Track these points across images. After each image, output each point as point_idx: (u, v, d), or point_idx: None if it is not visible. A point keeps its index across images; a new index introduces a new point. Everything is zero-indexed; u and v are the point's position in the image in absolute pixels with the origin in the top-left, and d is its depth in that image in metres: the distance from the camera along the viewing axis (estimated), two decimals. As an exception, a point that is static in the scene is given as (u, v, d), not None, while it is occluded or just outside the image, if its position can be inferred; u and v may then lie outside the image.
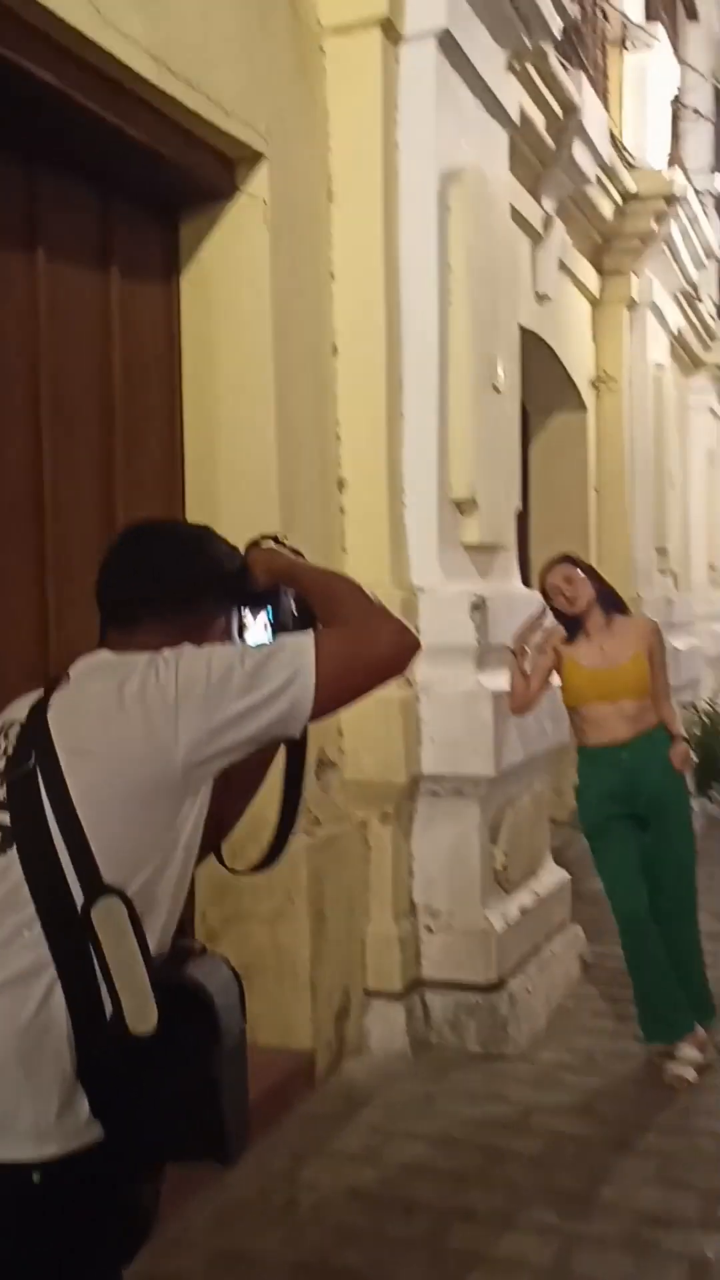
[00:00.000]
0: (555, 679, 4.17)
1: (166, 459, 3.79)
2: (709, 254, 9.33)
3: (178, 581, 1.62)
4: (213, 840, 1.65)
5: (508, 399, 4.75)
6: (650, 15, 9.03)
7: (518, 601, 4.48)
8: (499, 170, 4.88)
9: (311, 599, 1.67)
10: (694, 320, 10.19)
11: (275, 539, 1.75)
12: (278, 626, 1.67)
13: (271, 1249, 2.89)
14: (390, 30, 4.13)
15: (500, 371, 4.59)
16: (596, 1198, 3.14)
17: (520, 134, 5.73)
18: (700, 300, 10.41)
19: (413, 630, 1.60)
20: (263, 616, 1.69)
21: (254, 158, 3.72)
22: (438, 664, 4.16)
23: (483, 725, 4.08)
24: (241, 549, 1.71)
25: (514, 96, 5.05)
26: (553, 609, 4.12)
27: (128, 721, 1.46)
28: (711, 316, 11.35)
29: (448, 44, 4.25)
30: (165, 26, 3.22)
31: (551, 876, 4.89)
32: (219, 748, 1.47)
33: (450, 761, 4.12)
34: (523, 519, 7.61)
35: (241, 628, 1.69)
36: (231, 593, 1.68)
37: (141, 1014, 1.38)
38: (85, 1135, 1.39)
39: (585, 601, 4.05)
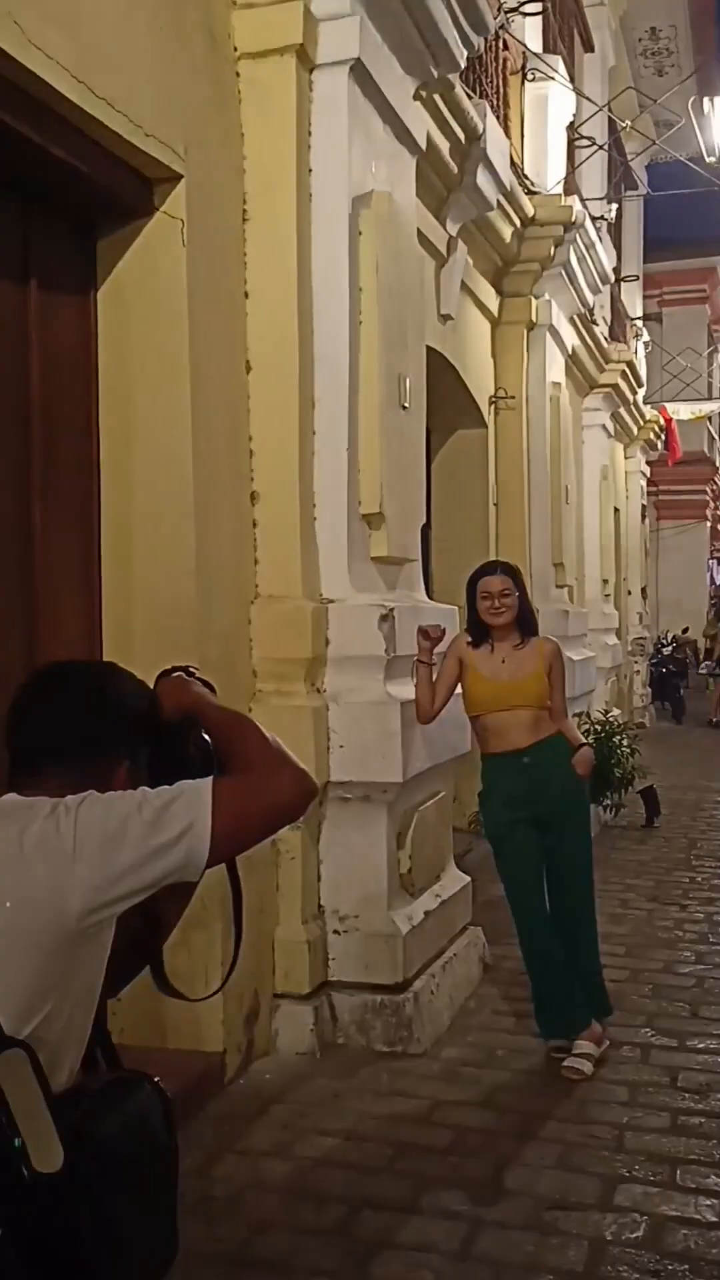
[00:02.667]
0: (460, 689, 4.32)
1: (82, 471, 3.84)
2: (604, 279, 9.66)
3: (79, 728, 1.68)
4: (152, 946, 1.74)
5: (415, 416, 4.89)
6: (548, 46, 9.35)
7: (424, 613, 4.62)
8: (407, 194, 5.03)
9: (214, 738, 1.71)
10: (589, 342, 10.54)
11: (186, 670, 1.81)
12: (184, 762, 1.69)
13: (187, 1242, 2.92)
14: (304, 57, 4.25)
15: (408, 389, 4.74)
16: (500, 1185, 3.28)
17: (426, 159, 5.91)
18: (595, 323, 10.77)
19: (312, 777, 1.68)
20: (171, 750, 1.72)
21: (172, 178, 3.80)
22: (347, 674, 4.28)
23: (390, 733, 4.20)
24: (153, 677, 1.78)
25: (421, 123, 5.21)
26: (472, 610, 4.25)
27: (27, 872, 1.52)
28: (605, 339, 11.74)
29: (359, 72, 4.39)
30: (87, 48, 3.29)
31: (454, 880, 5.04)
32: (116, 894, 1.54)
33: (359, 768, 4.24)
34: (425, 533, 7.78)
35: (149, 759, 1.72)
36: (137, 733, 1.72)
37: (45, 1155, 1.45)
38: None
39: (509, 619, 4.20)
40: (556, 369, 8.83)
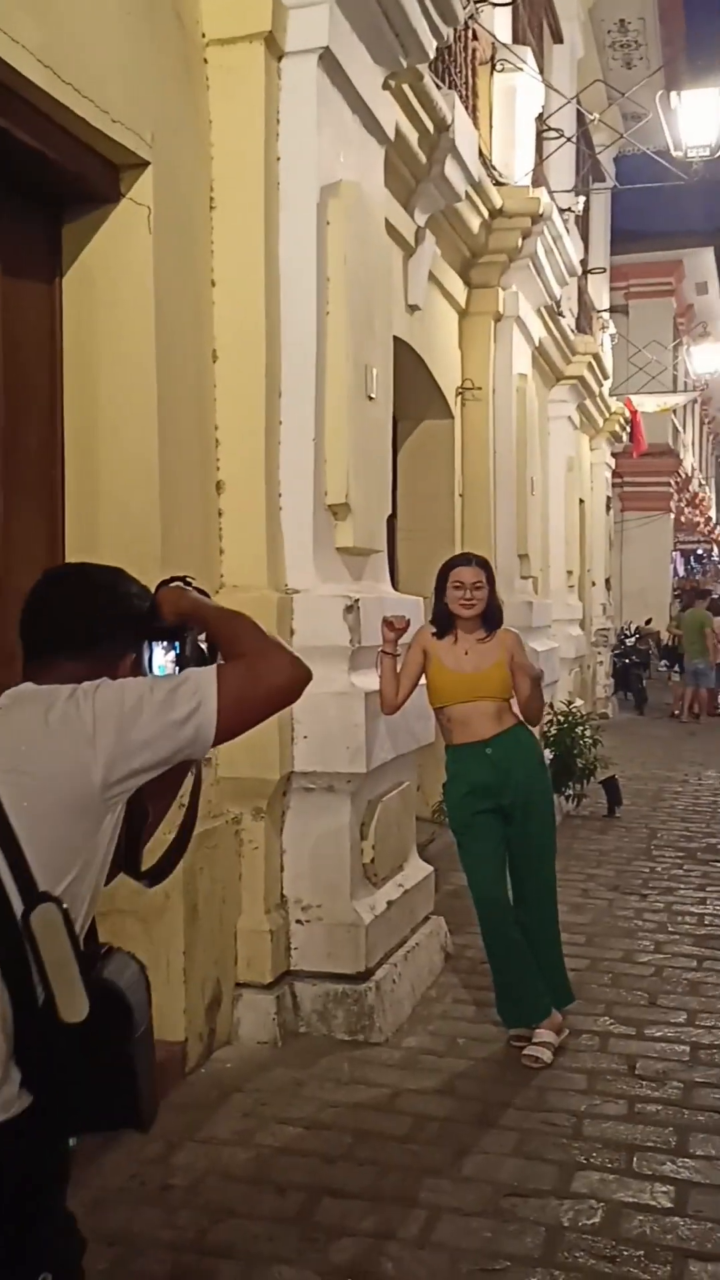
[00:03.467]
0: (424, 680, 4.34)
1: (46, 457, 3.82)
2: (570, 271, 9.69)
3: (92, 622, 1.81)
4: (135, 846, 1.84)
5: (381, 407, 4.90)
6: (518, 37, 9.34)
7: (389, 604, 4.63)
8: (375, 184, 5.03)
9: (214, 635, 1.86)
10: (555, 334, 10.57)
11: (183, 580, 1.92)
12: (184, 660, 1.83)
13: (147, 1230, 2.97)
14: (273, 45, 4.24)
15: (375, 380, 4.74)
16: (459, 1172, 3.31)
17: (395, 149, 5.90)
18: (562, 315, 10.80)
19: (304, 662, 1.80)
20: (170, 651, 1.85)
21: (139, 164, 3.78)
22: (311, 663, 4.15)
23: (354, 724, 4.21)
24: (152, 588, 1.90)
25: (390, 113, 5.20)
26: (440, 600, 4.26)
27: (55, 747, 1.65)
28: (572, 331, 11.78)
29: (328, 61, 4.37)
30: (55, 34, 3.27)
31: (416, 870, 5.07)
32: (132, 769, 1.67)
33: (322, 759, 4.25)
34: (390, 523, 7.80)
35: (150, 661, 1.85)
36: (141, 630, 1.85)
37: (73, 1006, 1.58)
38: (14, 1108, 1.59)
39: (478, 612, 4.22)
40: (523, 360, 8.85)
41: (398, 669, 4.27)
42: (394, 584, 6.95)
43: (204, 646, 1.86)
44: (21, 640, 1.82)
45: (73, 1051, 1.60)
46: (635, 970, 5.13)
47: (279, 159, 4.35)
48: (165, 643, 1.85)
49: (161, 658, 1.85)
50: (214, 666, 1.76)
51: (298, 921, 4.34)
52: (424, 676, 4.33)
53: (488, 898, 4.18)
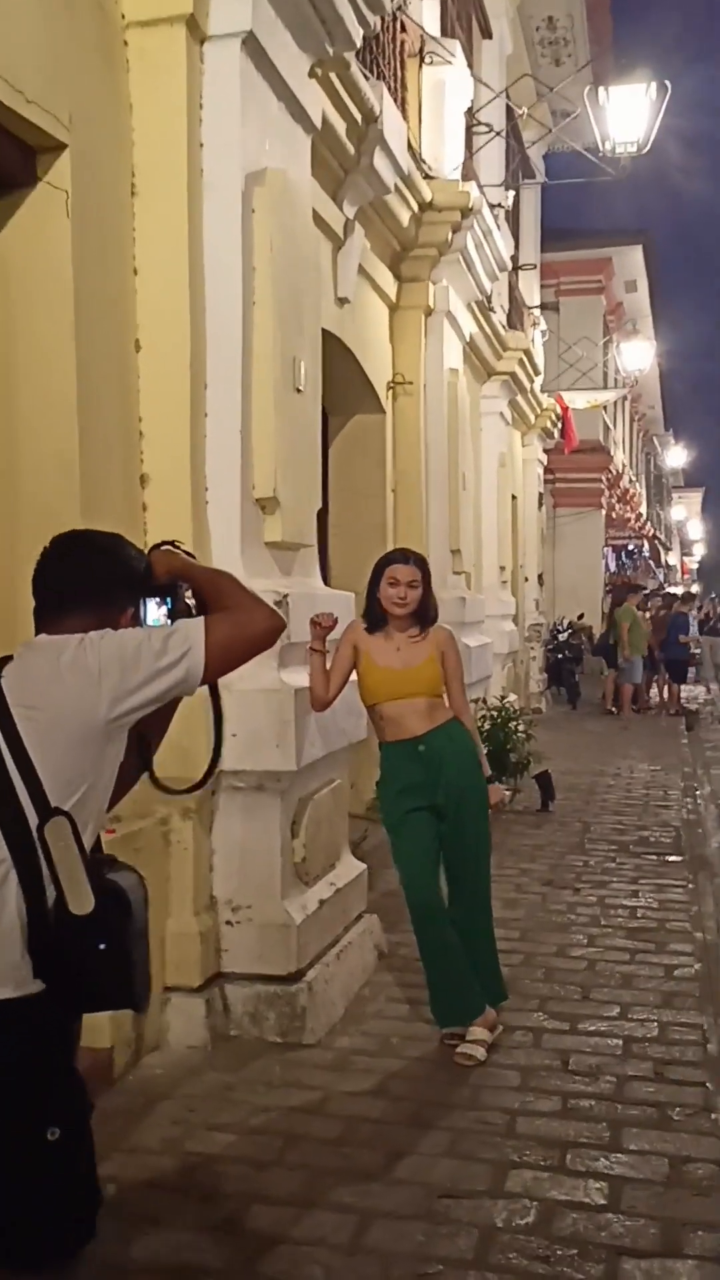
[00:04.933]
0: (355, 676, 4.28)
1: (-37, 450, 3.70)
2: (501, 266, 9.69)
3: (97, 580, 2.10)
4: (144, 757, 2.20)
5: (310, 400, 4.83)
6: (446, 31, 9.33)
7: (319, 599, 4.57)
8: (302, 173, 4.96)
9: (201, 591, 2.16)
10: (487, 329, 10.58)
11: (172, 544, 2.24)
12: (175, 613, 2.14)
13: (71, 1246, 2.87)
14: (195, 28, 4.15)
15: (303, 372, 4.67)
16: (392, 1175, 3.26)
17: (322, 139, 5.83)
18: (493, 310, 10.81)
19: (280, 614, 2.16)
20: (163, 605, 2.15)
21: (56, 147, 3.68)
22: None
23: (284, 721, 4.15)
24: (145, 551, 2.21)
25: (317, 102, 5.13)
26: (372, 595, 4.19)
27: (64, 686, 1.96)
28: (503, 326, 11.80)
29: (252, 46, 4.29)
30: (-35, 8, 3.16)
31: (349, 869, 5.01)
32: (132, 705, 1.98)
33: (252, 757, 4.17)
34: (322, 518, 7.72)
35: (146, 614, 2.15)
36: (138, 587, 2.15)
37: (81, 901, 1.89)
38: (30, 987, 1.90)
39: (411, 609, 4.16)
40: (454, 355, 8.84)
41: (327, 665, 4.21)
42: (326, 580, 6.90)
43: (191, 602, 2.15)
44: (35, 597, 2.10)
45: (80, 939, 1.91)
46: (568, 965, 5.12)
47: (202, 145, 4.26)
48: (159, 598, 2.15)
49: (155, 611, 2.14)
50: (202, 618, 2.06)
51: (227, 923, 4.26)
52: (355, 673, 4.27)
53: (420, 897, 4.14)
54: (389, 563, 4.20)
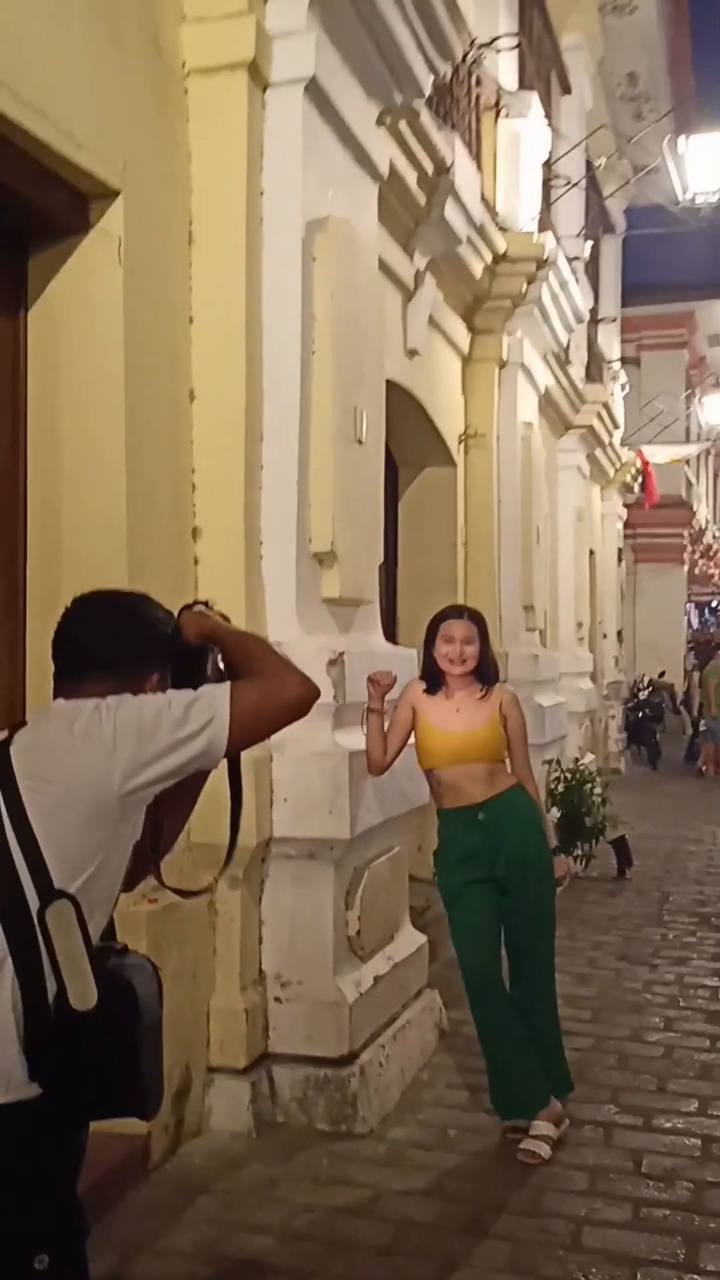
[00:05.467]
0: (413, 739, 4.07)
1: (7, 502, 3.59)
2: (578, 318, 9.51)
3: (120, 643, 1.95)
4: (153, 855, 1.97)
5: (371, 451, 4.66)
6: (524, 86, 9.23)
7: (378, 657, 4.37)
8: (367, 222, 4.83)
9: (230, 655, 2.00)
10: (563, 382, 10.38)
11: (205, 604, 2.08)
12: (203, 678, 1.96)
13: None
14: (257, 75, 4.05)
15: (365, 423, 4.51)
16: (442, 1291, 2.99)
17: (391, 189, 5.73)
18: (570, 363, 10.61)
19: (313, 681, 1.94)
20: (192, 670, 1.98)
21: (109, 194, 3.58)
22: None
23: (338, 786, 3.94)
24: (175, 611, 2.05)
25: (384, 150, 5.02)
26: (429, 654, 4.00)
27: (76, 756, 1.80)
28: (581, 380, 11.59)
29: (315, 93, 4.19)
30: (16, 55, 3.08)
31: (408, 941, 4.76)
32: (149, 777, 1.81)
33: (304, 824, 3.97)
34: (390, 573, 7.57)
35: (173, 678, 1.98)
36: (165, 650, 1.99)
37: (83, 995, 1.72)
38: (24, 1091, 1.72)
39: (469, 668, 3.95)
40: (529, 408, 8.65)
41: (385, 727, 4.00)
42: (394, 638, 6.71)
43: (222, 666, 1.99)
44: (54, 660, 1.97)
45: (81, 1039, 1.73)
46: (643, 1051, 4.80)
47: (263, 193, 4.15)
48: (187, 661, 1.99)
49: (182, 675, 1.97)
50: (228, 684, 1.89)
51: (276, 1000, 4.03)
52: (413, 734, 4.06)
53: (478, 977, 3.88)
54: (443, 619, 4.01)
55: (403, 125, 5.58)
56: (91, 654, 1.95)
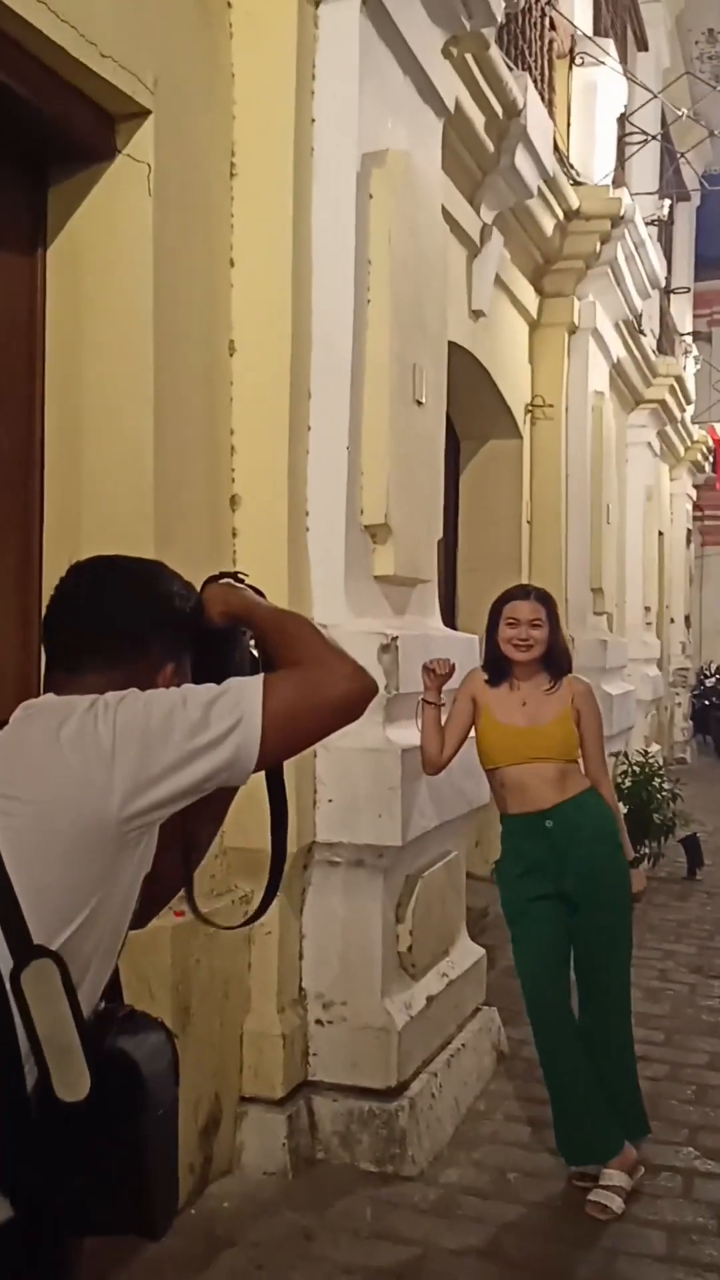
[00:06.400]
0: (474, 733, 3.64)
1: (20, 463, 3.19)
2: (653, 282, 8.95)
3: (125, 623, 1.55)
4: (185, 873, 1.63)
5: (432, 414, 4.21)
6: (599, 35, 8.68)
7: (435, 643, 3.93)
8: (431, 160, 4.37)
9: (264, 639, 1.60)
10: (635, 353, 9.84)
11: (234, 576, 1.67)
12: (233, 670, 1.56)
13: None
14: (309, -12, 3.61)
15: (425, 382, 4.06)
16: None
17: (457, 132, 5.27)
18: (643, 333, 10.05)
19: (369, 673, 1.52)
20: (219, 658, 1.60)
21: (138, 114, 3.15)
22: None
23: (389, 787, 3.51)
24: (198, 585, 1.65)
25: (450, 84, 4.56)
26: (492, 639, 3.58)
27: (63, 769, 1.41)
28: (654, 351, 11.01)
29: (374, 9, 3.74)
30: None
31: (465, 955, 4.33)
32: (157, 798, 1.40)
33: (350, 828, 3.55)
34: (450, 551, 7.12)
35: (193, 669, 1.60)
36: (184, 634, 1.59)
37: (71, 1082, 1.35)
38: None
39: (537, 654, 3.52)
40: (600, 377, 8.13)
41: (442, 720, 3.58)
42: (451, 621, 6.27)
43: (256, 653, 1.63)
44: (44, 645, 1.59)
45: (70, 1139, 1.36)
46: (724, 1081, 4.33)
47: (314, 121, 3.71)
48: (212, 649, 1.61)
49: (208, 667, 1.59)
50: (260, 676, 1.48)
51: (317, 1022, 3.63)
52: (474, 729, 3.63)
53: (544, 1006, 3.45)
54: (507, 600, 3.57)
55: (470, 60, 5.12)
56: (89, 636, 1.55)
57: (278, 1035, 3.50)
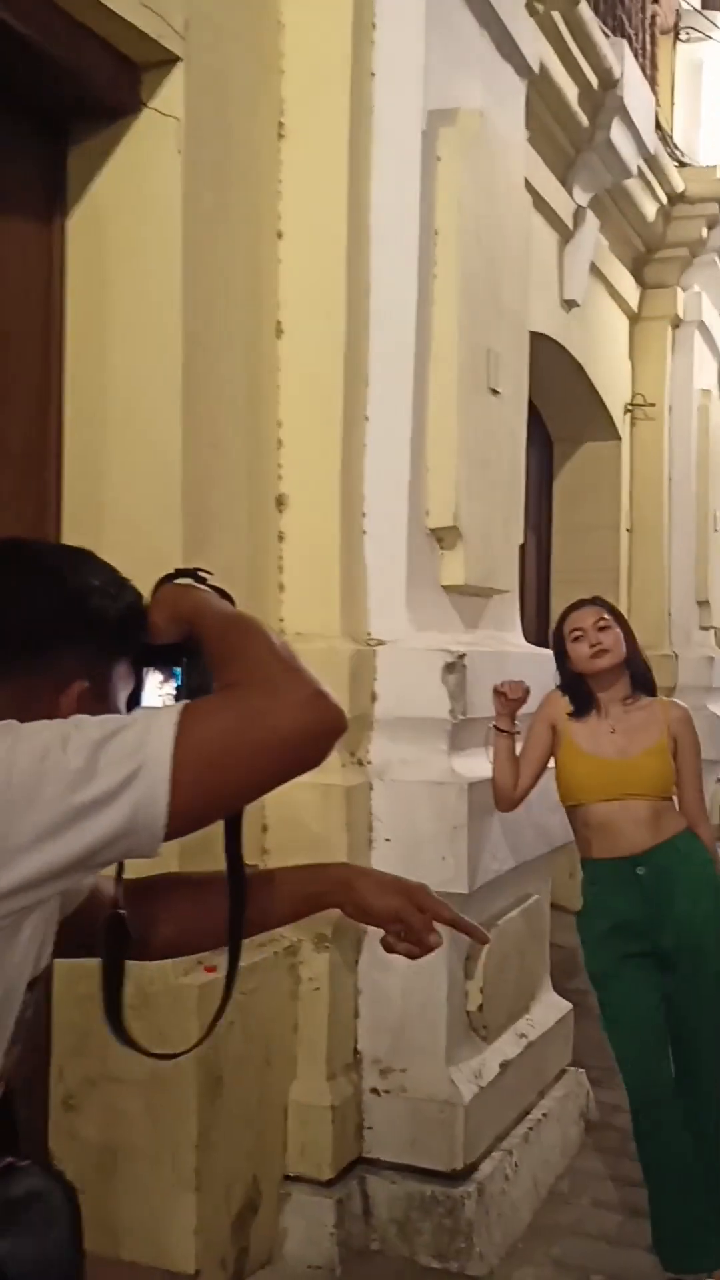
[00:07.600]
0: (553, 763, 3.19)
1: (34, 458, 2.85)
2: (767, 272, 8.35)
3: (19, 622, 1.18)
4: (114, 989, 1.27)
5: (511, 405, 3.77)
6: (707, 7, 8.16)
7: (511, 661, 3.49)
8: (511, 122, 3.94)
9: (209, 652, 1.22)
10: (747, 349, 9.22)
11: (194, 574, 1.31)
12: (188, 694, 1.25)
13: None
14: None
15: (501, 369, 3.63)
16: None
17: (547, 105, 4.85)
18: (755, 328, 9.43)
19: (335, 700, 1.11)
20: (168, 679, 1.28)
21: (166, 60, 2.80)
22: (399, 741, 3.18)
23: (455, 825, 3.08)
24: (149, 585, 1.29)
25: (534, 41, 4.13)
26: (565, 669, 3.15)
27: None
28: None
29: (443, -49, 3.35)
30: None
31: (549, 1012, 3.85)
32: (22, 877, 1.02)
33: (411, 871, 3.02)
34: (543, 562, 6.66)
35: (133, 694, 1.28)
36: (113, 645, 1.23)
37: None
38: None
39: (615, 658, 3.07)
40: (707, 374, 7.60)
41: (517, 750, 3.13)
42: (541, 637, 5.80)
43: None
44: None
45: None
46: None
47: (373, 75, 3.31)
48: (162, 666, 1.28)
49: (157, 689, 1.28)
50: (177, 706, 1.10)
51: (373, 1092, 3.19)
52: (553, 759, 3.18)
53: (642, 1082, 2.97)
54: (563, 618, 3.19)
55: (561, 23, 4.69)
56: None
57: (327, 1106, 3.07)
